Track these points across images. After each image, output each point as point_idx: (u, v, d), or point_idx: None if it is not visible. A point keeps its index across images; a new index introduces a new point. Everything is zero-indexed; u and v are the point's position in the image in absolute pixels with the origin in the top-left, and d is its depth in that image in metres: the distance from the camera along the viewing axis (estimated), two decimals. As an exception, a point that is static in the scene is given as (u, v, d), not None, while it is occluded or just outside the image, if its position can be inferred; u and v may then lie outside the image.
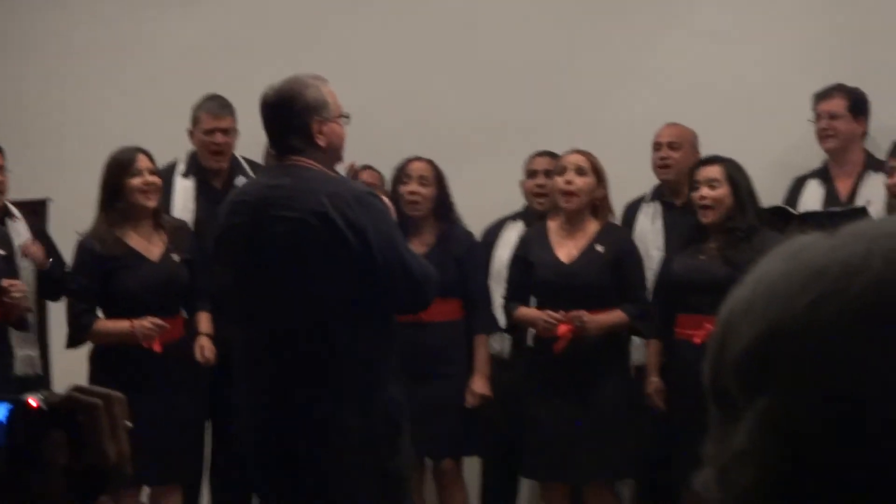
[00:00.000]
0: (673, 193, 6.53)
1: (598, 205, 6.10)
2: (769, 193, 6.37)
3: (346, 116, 4.61)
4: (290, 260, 4.43)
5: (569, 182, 6.02)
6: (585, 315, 5.87)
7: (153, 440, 5.44)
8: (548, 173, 6.51)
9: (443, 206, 6.42)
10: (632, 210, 6.68)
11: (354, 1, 7.64)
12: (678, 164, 6.49)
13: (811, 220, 5.89)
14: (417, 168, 6.42)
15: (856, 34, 6.81)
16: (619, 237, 6.14)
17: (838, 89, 6.44)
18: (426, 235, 6.33)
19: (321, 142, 4.52)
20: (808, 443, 1.01)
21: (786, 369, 1.03)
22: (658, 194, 6.64)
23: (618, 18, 7.26)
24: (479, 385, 6.33)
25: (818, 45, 6.87)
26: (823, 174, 6.47)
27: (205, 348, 6.14)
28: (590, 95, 7.18)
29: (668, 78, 7.02)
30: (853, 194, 6.31)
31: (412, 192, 6.31)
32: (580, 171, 6.02)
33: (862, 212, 5.86)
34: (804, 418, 1.02)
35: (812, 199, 6.38)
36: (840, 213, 5.96)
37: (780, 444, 1.02)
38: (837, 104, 6.41)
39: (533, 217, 6.57)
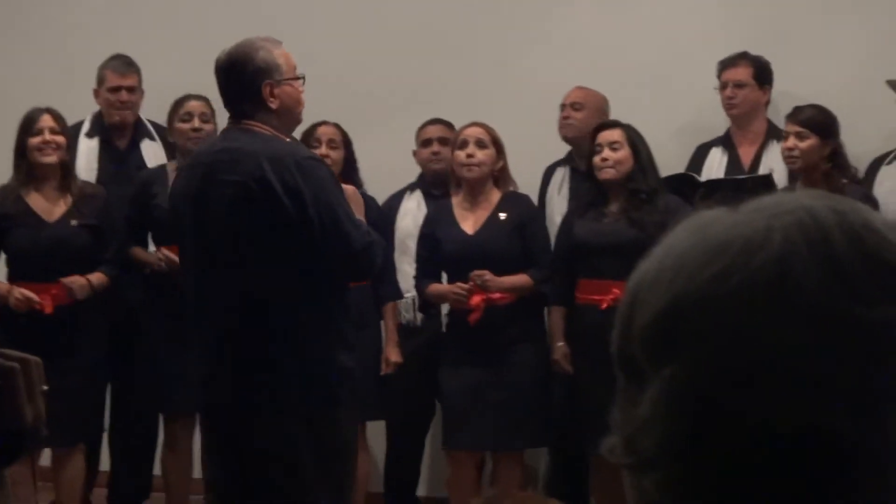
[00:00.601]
0: (580, 157, 6.56)
1: (498, 175, 6.14)
2: (675, 160, 6.44)
3: (301, 78, 4.57)
4: (230, 224, 4.41)
5: (470, 155, 6.05)
6: (487, 274, 5.91)
7: (51, 403, 5.41)
8: (442, 140, 6.55)
9: (351, 169, 6.44)
10: (546, 176, 6.72)
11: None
12: (579, 125, 6.52)
13: (716, 188, 5.97)
14: (325, 132, 6.43)
15: (760, 1, 6.85)
16: (521, 204, 6.18)
17: (743, 57, 6.47)
18: None
19: (273, 105, 4.48)
20: (710, 410, 1.06)
21: (690, 340, 1.07)
22: (568, 160, 6.68)
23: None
24: (392, 353, 6.37)
25: (721, 11, 6.88)
26: (726, 142, 6.52)
27: (73, 281, 6.03)
28: (494, 61, 7.18)
29: (572, 44, 7.03)
30: (756, 162, 6.37)
31: (323, 156, 6.33)
32: (480, 144, 6.06)
33: (766, 179, 5.93)
34: (706, 387, 1.06)
35: (715, 166, 6.44)
36: (744, 180, 6.04)
37: (683, 411, 1.07)
38: (743, 72, 6.44)
39: (429, 186, 6.59)
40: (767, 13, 6.79)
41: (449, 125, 6.58)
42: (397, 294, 6.48)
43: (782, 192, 1.15)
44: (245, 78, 4.47)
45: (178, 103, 6.43)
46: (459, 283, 5.96)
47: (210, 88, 6.47)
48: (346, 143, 6.45)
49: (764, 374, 1.05)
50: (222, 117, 5.87)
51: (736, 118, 6.50)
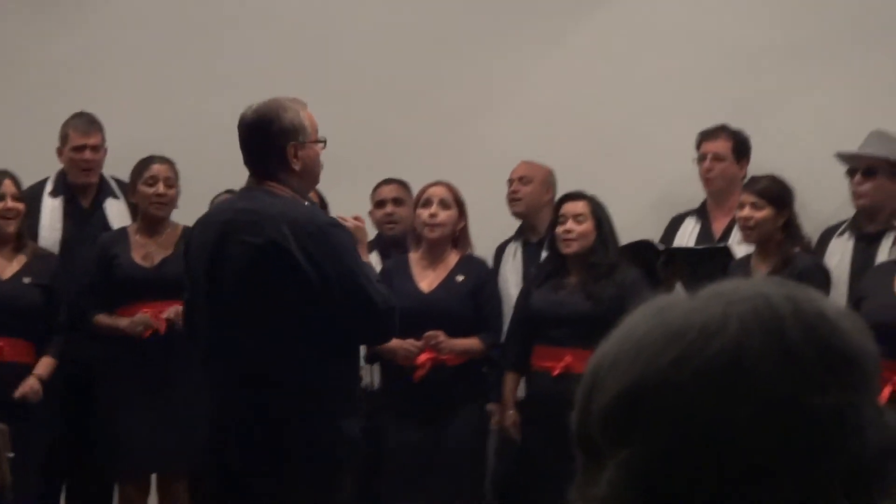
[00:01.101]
0: (531, 230, 6.61)
1: (458, 236, 6.18)
2: (651, 229, 6.47)
3: (323, 141, 4.62)
4: (246, 286, 4.41)
5: (433, 215, 6.09)
6: (441, 335, 5.94)
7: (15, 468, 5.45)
8: (396, 201, 6.57)
9: None
10: (498, 252, 6.74)
11: (220, 22, 7.61)
12: (527, 199, 6.58)
13: (675, 256, 6.01)
14: None
15: (730, 73, 6.87)
16: (478, 268, 6.21)
17: (723, 130, 6.46)
18: None
19: (296, 166, 4.50)
20: (667, 493, 1.09)
21: (647, 423, 1.10)
22: (519, 233, 6.72)
23: (488, 48, 7.26)
24: None
25: (694, 82, 6.92)
26: (701, 212, 6.50)
27: (28, 386, 6.09)
28: (454, 125, 7.21)
29: (539, 111, 7.08)
30: (727, 233, 6.34)
31: None
32: (444, 204, 6.10)
33: (723, 250, 5.98)
34: (663, 470, 1.09)
35: (686, 236, 6.41)
36: (701, 250, 6.08)
37: (640, 493, 1.09)
38: (722, 145, 6.43)
39: (385, 245, 6.61)
40: (737, 83, 6.83)
41: (404, 185, 6.61)
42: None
43: (739, 278, 1.18)
44: (271, 137, 4.48)
45: (143, 165, 6.38)
46: (411, 341, 5.97)
47: (171, 143, 6.53)
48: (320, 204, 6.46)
49: (716, 460, 1.08)
50: (193, 180, 5.92)
51: (712, 191, 6.49)
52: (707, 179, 6.44)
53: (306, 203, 4.64)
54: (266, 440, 4.42)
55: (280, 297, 4.39)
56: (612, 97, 7.03)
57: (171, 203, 6.33)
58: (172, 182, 6.35)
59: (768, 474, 1.08)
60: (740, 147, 6.44)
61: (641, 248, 6.10)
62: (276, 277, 4.38)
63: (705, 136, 6.46)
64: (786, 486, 1.08)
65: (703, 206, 6.52)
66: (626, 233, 6.18)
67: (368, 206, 6.72)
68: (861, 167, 6.02)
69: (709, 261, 5.86)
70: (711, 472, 1.08)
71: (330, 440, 4.45)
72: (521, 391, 6.16)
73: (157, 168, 6.35)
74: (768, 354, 1.10)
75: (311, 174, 4.59)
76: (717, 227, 6.42)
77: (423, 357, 5.96)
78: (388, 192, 6.66)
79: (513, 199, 6.66)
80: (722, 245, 6.07)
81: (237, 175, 5.49)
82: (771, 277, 1.26)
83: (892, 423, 1.14)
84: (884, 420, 1.13)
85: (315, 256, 4.37)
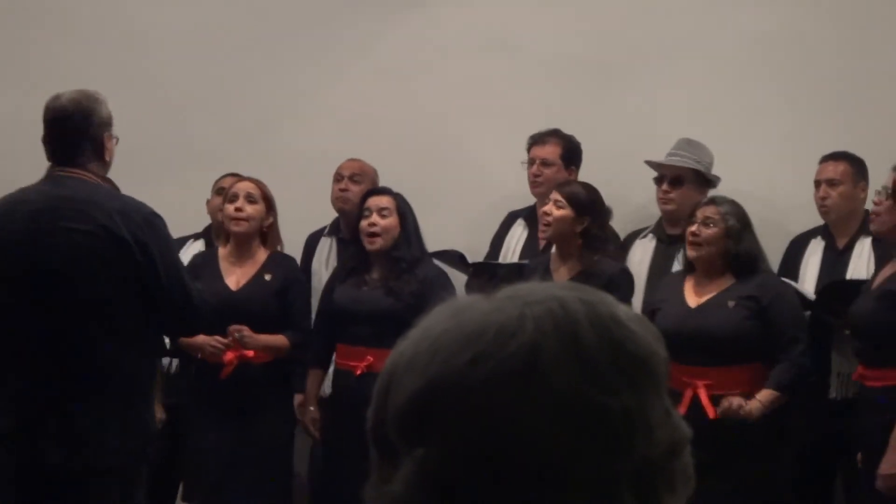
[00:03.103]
0: (348, 228, 6.53)
1: (266, 232, 6.14)
2: (466, 234, 6.50)
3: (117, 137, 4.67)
4: (73, 271, 4.35)
5: (239, 209, 6.04)
6: (245, 330, 5.90)
7: None
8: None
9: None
10: (310, 244, 6.69)
11: (19, 21, 7.46)
12: (355, 198, 6.47)
13: (482, 270, 6.06)
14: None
15: (547, 80, 6.91)
16: (286, 266, 6.19)
17: (553, 135, 6.43)
18: None
19: (108, 157, 4.57)
20: (460, 493, 1.10)
21: (443, 422, 1.11)
22: (334, 230, 6.66)
23: (300, 50, 7.21)
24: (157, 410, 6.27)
25: (507, 87, 6.92)
26: (530, 218, 6.47)
27: None
28: (266, 123, 7.18)
29: (352, 115, 7.05)
30: (551, 244, 6.35)
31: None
32: (250, 199, 6.06)
33: (519, 267, 6.00)
34: (457, 469, 1.10)
35: (515, 241, 6.42)
36: (506, 266, 6.09)
37: (433, 492, 1.10)
38: (551, 150, 6.40)
39: (215, 236, 6.54)
40: (533, 87, 6.91)
41: (255, 181, 6.54)
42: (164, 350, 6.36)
43: (535, 282, 1.20)
44: (91, 127, 4.51)
45: None
46: (217, 337, 5.93)
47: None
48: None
49: (509, 460, 1.09)
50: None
51: (540, 196, 6.36)
52: (534, 184, 6.42)
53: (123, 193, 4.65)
54: (70, 432, 4.37)
55: (109, 282, 4.36)
56: (424, 101, 7.04)
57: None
58: None
59: (560, 474, 1.09)
60: (570, 153, 6.41)
61: (448, 258, 6.13)
62: (107, 262, 4.36)
63: (535, 140, 6.42)
64: (577, 485, 1.10)
65: (533, 212, 6.46)
66: (449, 235, 6.28)
67: (196, 199, 6.68)
68: (669, 176, 6.16)
69: (516, 276, 5.88)
70: (505, 472, 1.09)
71: (141, 429, 4.46)
72: (329, 388, 6.16)
73: None
74: (563, 356, 1.12)
75: (109, 166, 4.63)
76: (543, 235, 6.43)
77: (230, 355, 5.93)
78: (230, 182, 6.58)
79: (343, 197, 6.49)
80: (524, 262, 6.10)
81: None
82: (566, 282, 1.28)
83: (679, 423, 1.17)
84: (672, 421, 1.16)
85: (145, 245, 4.39)
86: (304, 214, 6.58)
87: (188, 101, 7.23)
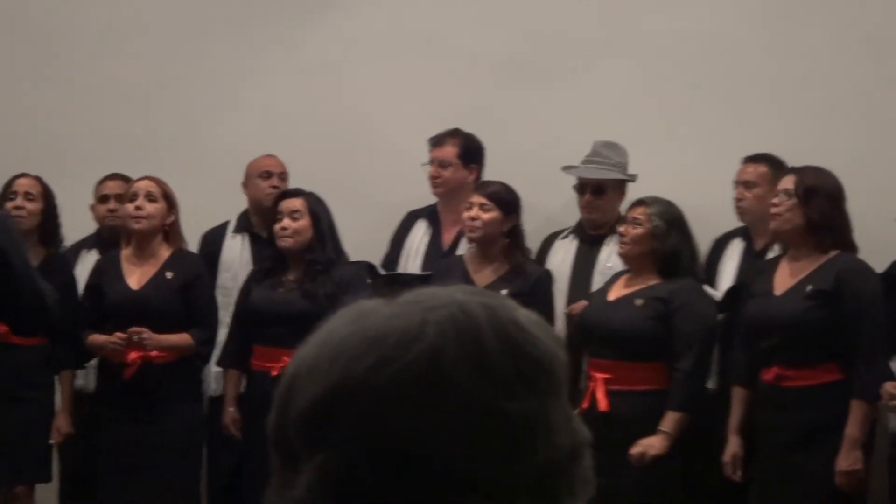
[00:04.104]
0: (262, 224, 6.47)
1: (168, 230, 6.10)
2: (383, 234, 6.48)
3: None
4: None
5: (139, 208, 6.01)
6: (145, 332, 5.87)
7: None
8: (119, 197, 6.40)
9: (50, 223, 6.26)
10: (217, 240, 6.62)
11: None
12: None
13: (392, 281, 6.04)
14: (24, 184, 6.26)
15: (468, 79, 6.90)
16: (189, 263, 6.15)
17: (452, 135, 6.42)
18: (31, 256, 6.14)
19: None
20: (361, 498, 1.09)
21: (344, 427, 1.11)
22: (246, 225, 6.61)
23: (223, 46, 7.18)
24: (62, 423, 6.19)
25: (428, 87, 6.91)
26: (432, 218, 6.47)
27: None
28: (186, 122, 7.12)
29: (273, 111, 7.02)
30: (455, 244, 6.35)
31: (17, 207, 6.16)
32: (150, 197, 6.02)
33: (425, 278, 5.99)
34: (359, 473, 1.10)
35: (417, 242, 6.40)
36: (413, 276, 6.08)
37: (334, 498, 1.10)
38: (448, 151, 6.38)
39: (105, 242, 6.48)
40: (464, 86, 6.92)
41: (128, 180, 6.47)
42: (75, 361, 6.29)
43: (437, 287, 1.20)
44: None
45: None
46: (118, 334, 5.89)
47: None
48: (47, 196, 6.27)
49: (410, 465, 1.09)
50: None
51: (440, 196, 6.41)
52: (434, 185, 6.42)
53: None
54: None
55: None
56: (345, 99, 7.02)
57: None
58: None
59: (461, 478, 1.10)
60: (468, 152, 6.39)
61: (361, 269, 6.12)
62: None
63: (434, 142, 6.42)
64: (478, 489, 1.10)
65: (435, 212, 6.50)
66: (366, 233, 6.29)
67: (91, 200, 6.60)
68: (591, 185, 6.18)
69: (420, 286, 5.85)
70: (406, 476, 1.09)
71: None
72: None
73: None
74: (464, 360, 1.12)
75: None
76: (447, 237, 6.40)
77: (132, 355, 5.89)
78: (112, 187, 6.53)
79: (272, 193, 6.48)
80: (427, 273, 6.09)
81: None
82: (468, 286, 1.28)
83: (580, 427, 1.18)
84: (572, 425, 1.17)
85: (2, 243, 4.31)
86: (215, 211, 6.54)
87: (106, 97, 7.17)
